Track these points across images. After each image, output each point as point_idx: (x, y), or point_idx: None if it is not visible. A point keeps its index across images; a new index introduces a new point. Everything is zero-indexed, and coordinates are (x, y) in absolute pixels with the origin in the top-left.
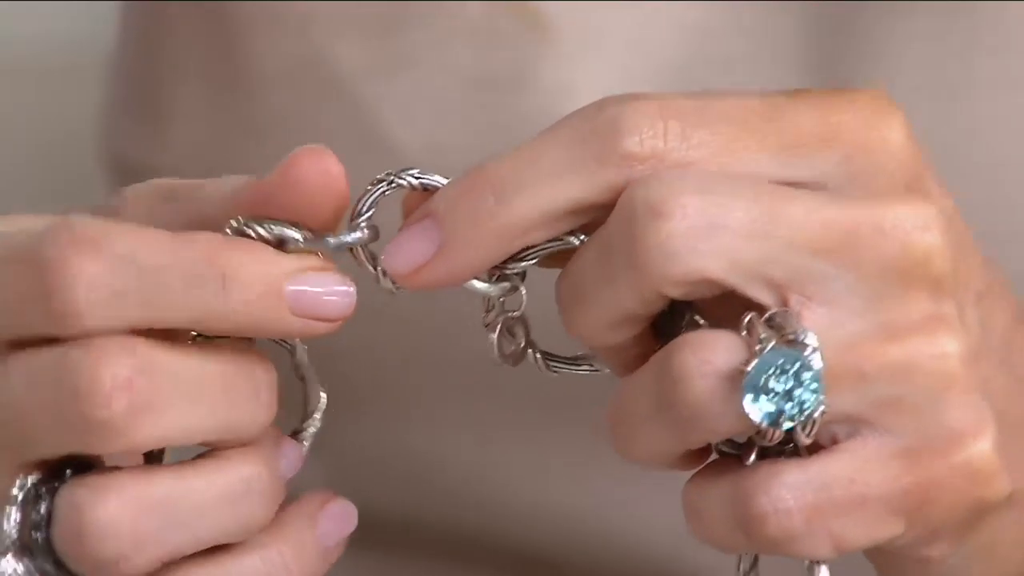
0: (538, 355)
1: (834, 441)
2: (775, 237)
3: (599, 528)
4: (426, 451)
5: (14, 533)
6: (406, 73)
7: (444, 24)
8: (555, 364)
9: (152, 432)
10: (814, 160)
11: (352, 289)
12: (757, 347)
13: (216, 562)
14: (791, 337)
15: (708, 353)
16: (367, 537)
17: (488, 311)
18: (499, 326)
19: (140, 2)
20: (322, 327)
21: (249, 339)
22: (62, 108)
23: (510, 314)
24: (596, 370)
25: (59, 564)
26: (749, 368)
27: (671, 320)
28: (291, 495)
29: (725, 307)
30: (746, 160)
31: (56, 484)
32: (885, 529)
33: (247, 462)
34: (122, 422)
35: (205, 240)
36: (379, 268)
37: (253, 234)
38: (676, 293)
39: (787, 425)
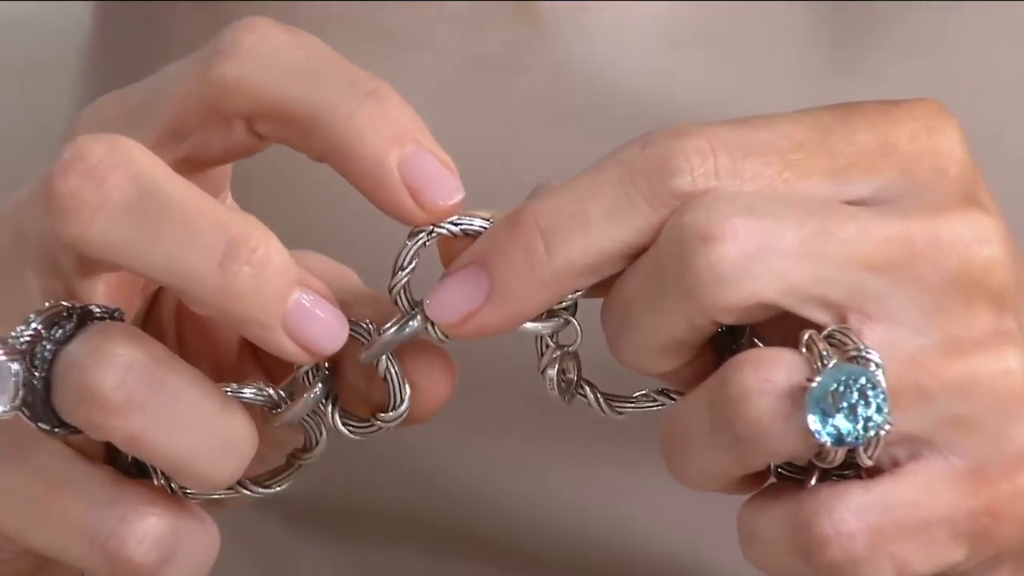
0: (599, 397)
1: (895, 464)
2: (829, 256)
3: (599, 526)
4: (421, 447)
5: (25, 338)
6: (394, 59)
7: (432, 7)
8: (619, 405)
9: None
10: (871, 178)
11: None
12: (819, 364)
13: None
14: (853, 354)
15: (769, 371)
16: (360, 535)
17: (543, 351)
18: (557, 363)
19: (121, 1)
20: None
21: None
22: (34, 103)
23: (566, 349)
24: (662, 405)
25: (47, 387)
26: (813, 384)
27: (730, 338)
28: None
29: (776, 329)
30: (801, 188)
31: (89, 320)
32: (949, 554)
33: (255, 431)
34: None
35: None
36: (428, 322)
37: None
38: (729, 320)
39: (851, 444)
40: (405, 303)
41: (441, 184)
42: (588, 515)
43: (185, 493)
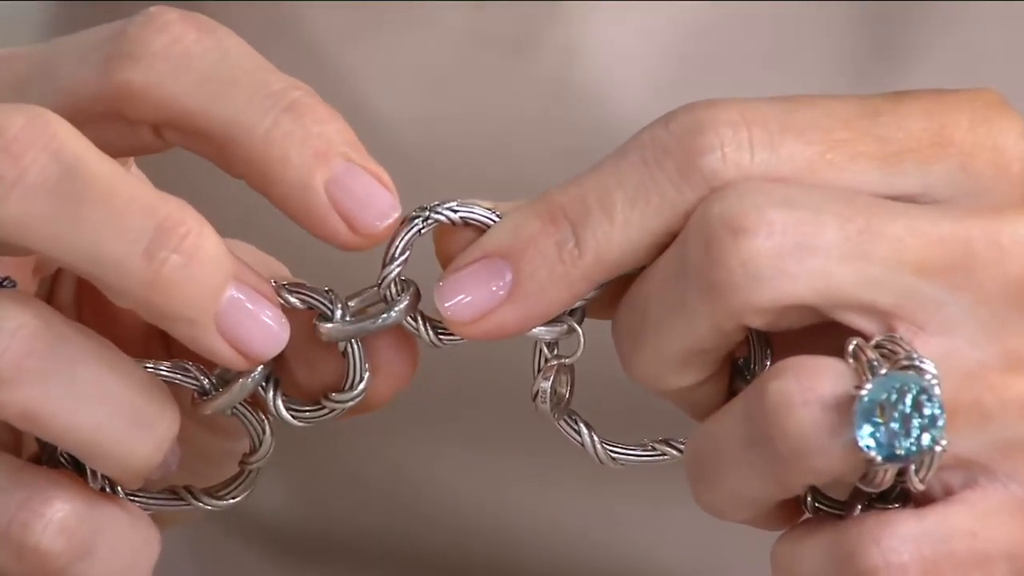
0: (596, 441)
1: (947, 491)
2: (876, 257)
3: (604, 554)
4: (410, 468)
5: None
6: (388, 36)
7: None
8: (615, 451)
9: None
10: (924, 170)
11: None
12: (867, 374)
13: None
14: (905, 363)
15: (812, 379)
16: (344, 564)
17: (539, 361)
18: (552, 374)
19: (80, 1)
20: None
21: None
22: None
23: (564, 361)
24: (662, 455)
25: None
26: (862, 392)
27: (749, 368)
28: (254, 515)
29: (808, 347)
30: (845, 174)
31: None
32: None
33: (174, 409)
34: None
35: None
36: (420, 320)
37: (282, 301)
38: (760, 322)
39: (903, 461)
40: (396, 298)
41: (375, 203)
42: (595, 544)
43: (129, 496)
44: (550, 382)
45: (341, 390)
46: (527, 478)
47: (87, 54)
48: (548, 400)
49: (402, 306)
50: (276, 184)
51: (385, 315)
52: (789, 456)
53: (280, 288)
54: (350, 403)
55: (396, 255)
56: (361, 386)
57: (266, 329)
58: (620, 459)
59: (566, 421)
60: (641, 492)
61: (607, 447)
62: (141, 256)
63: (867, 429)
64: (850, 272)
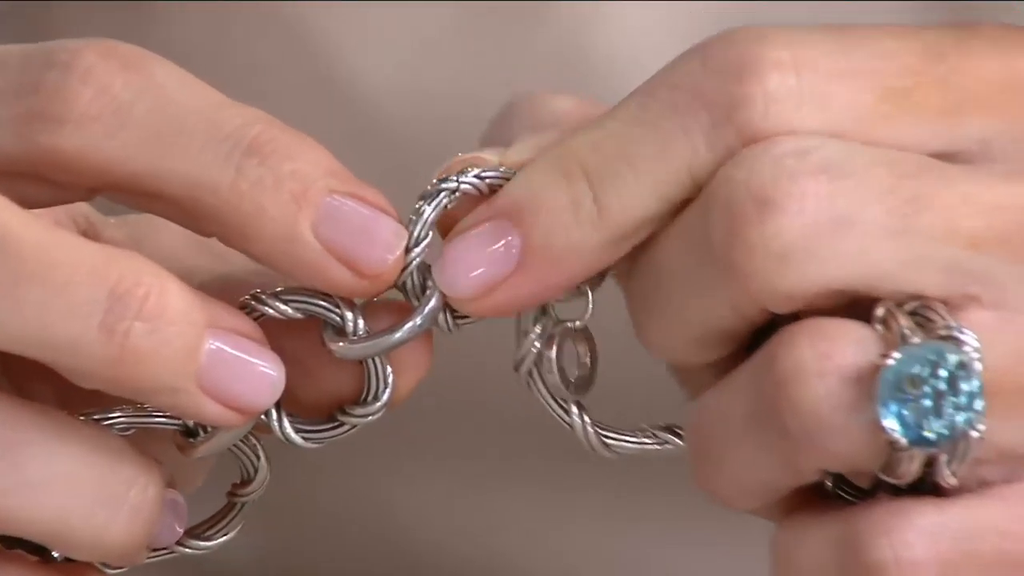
0: (587, 424)
1: (982, 488)
2: (923, 230)
3: None
4: (397, 505)
5: None
6: (397, 6)
7: None
8: (612, 438)
9: None
10: (986, 120)
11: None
12: (898, 342)
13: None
14: (943, 333)
15: (831, 346)
16: None
17: (535, 323)
18: (555, 343)
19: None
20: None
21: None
22: None
23: (568, 325)
24: (664, 444)
25: None
26: (889, 362)
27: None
28: (226, 561)
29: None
30: (898, 129)
31: None
32: None
33: (145, 467)
34: None
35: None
36: (432, 301)
37: (275, 312)
38: (784, 309)
39: (932, 447)
40: (419, 290)
41: (375, 234)
42: None
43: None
44: (554, 352)
45: (362, 402)
46: (527, 518)
47: None
48: (557, 373)
49: (430, 307)
50: (257, 241)
51: (412, 323)
52: (799, 435)
53: (272, 297)
54: (373, 416)
55: (420, 238)
56: (386, 395)
57: (257, 376)
58: (615, 447)
59: (554, 399)
60: (657, 535)
61: (601, 432)
62: (98, 331)
63: (892, 406)
64: (892, 250)
